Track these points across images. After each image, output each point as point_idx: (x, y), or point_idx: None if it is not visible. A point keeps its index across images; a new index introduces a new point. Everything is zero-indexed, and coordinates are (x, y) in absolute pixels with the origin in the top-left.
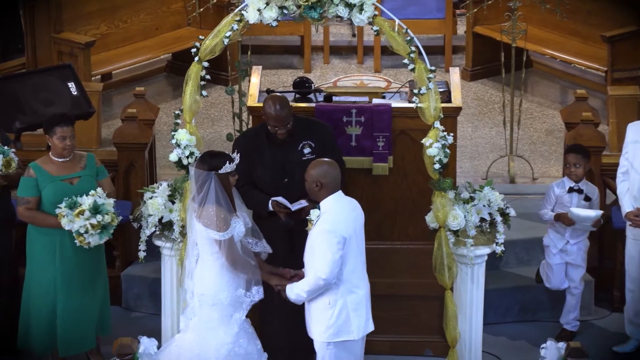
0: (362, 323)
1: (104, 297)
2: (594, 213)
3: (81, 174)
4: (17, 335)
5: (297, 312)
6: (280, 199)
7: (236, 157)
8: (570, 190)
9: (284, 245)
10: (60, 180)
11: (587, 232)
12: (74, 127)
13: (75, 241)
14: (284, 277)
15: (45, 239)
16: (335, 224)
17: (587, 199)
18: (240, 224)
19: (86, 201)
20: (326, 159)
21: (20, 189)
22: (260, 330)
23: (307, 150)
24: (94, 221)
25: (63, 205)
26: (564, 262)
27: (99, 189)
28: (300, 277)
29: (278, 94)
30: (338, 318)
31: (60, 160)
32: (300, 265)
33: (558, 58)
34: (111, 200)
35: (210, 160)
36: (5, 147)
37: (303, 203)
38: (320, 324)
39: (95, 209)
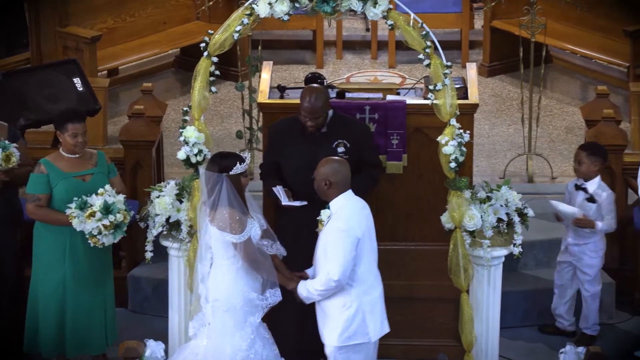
0: (377, 325)
1: (110, 300)
2: (570, 210)
3: (93, 171)
4: (22, 338)
5: (308, 313)
6: (278, 188)
7: (247, 157)
8: (577, 187)
9: (292, 243)
10: (73, 177)
11: (598, 235)
12: (86, 124)
13: (89, 242)
14: (303, 279)
15: (54, 238)
16: (349, 223)
17: (592, 200)
18: (256, 226)
19: (96, 202)
20: (334, 157)
21: (30, 185)
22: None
23: (341, 149)
24: (106, 222)
25: (73, 205)
26: (568, 262)
27: (108, 186)
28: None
29: (316, 85)
30: (354, 320)
31: (71, 156)
32: (305, 264)
33: (578, 53)
34: (121, 197)
35: (221, 161)
36: (6, 142)
37: (296, 203)
38: (335, 327)
39: (107, 209)
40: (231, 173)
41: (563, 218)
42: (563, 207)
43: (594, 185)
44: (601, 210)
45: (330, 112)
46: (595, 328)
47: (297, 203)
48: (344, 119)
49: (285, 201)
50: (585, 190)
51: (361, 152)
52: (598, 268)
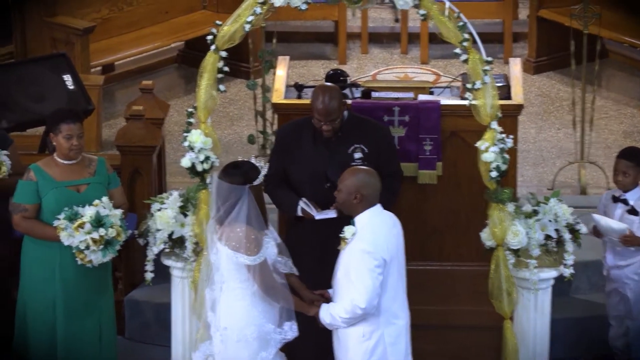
0: (400, 359)
1: (108, 325)
2: (618, 226)
3: (90, 180)
4: None
5: (328, 344)
6: (305, 200)
7: (262, 165)
8: (615, 199)
9: (313, 257)
10: (65, 187)
11: None
12: (83, 125)
13: (76, 258)
14: (325, 299)
15: (43, 253)
16: (375, 244)
17: (634, 212)
18: (272, 244)
19: (87, 212)
20: (363, 167)
21: (17, 194)
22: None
23: (358, 155)
24: (95, 235)
25: (62, 216)
26: (617, 291)
27: (105, 198)
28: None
29: (329, 83)
30: (373, 353)
31: (66, 162)
32: (328, 282)
33: (638, 47)
34: (118, 212)
35: (241, 171)
36: None
37: (330, 214)
38: (352, 358)
39: (98, 222)
40: (254, 184)
41: (605, 235)
42: (609, 223)
43: (635, 195)
44: None
45: (345, 112)
46: None
47: (331, 213)
48: (360, 121)
49: (318, 214)
50: (625, 202)
51: (381, 159)
52: None
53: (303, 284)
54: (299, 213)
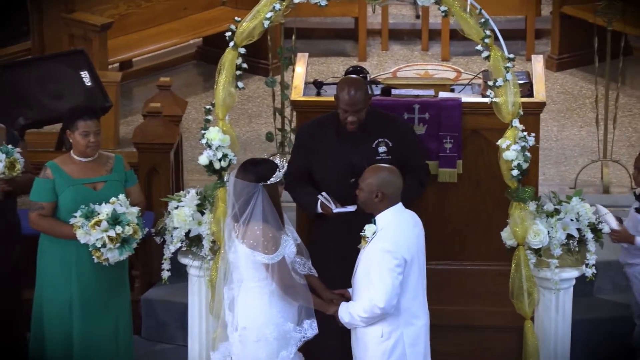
0: None
1: (125, 325)
2: (614, 222)
3: (107, 178)
4: None
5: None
6: (324, 194)
7: (283, 164)
8: (636, 197)
9: (337, 255)
10: (82, 185)
11: None
12: (100, 122)
13: (93, 257)
14: (345, 299)
15: (59, 251)
16: (396, 243)
17: None
18: (291, 243)
19: (104, 210)
20: (385, 165)
21: (33, 192)
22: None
23: (382, 148)
24: (112, 233)
25: (78, 214)
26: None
27: (121, 196)
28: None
29: (353, 76)
30: (392, 354)
31: (83, 160)
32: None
33: None
34: (134, 209)
35: (256, 169)
36: (10, 146)
37: (349, 208)
38: (370, 358)
39: (115, 219)
40: (269, 182)
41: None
42: (608, 219)
43: None
44: None
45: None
46: None
47: (349, 208)
48: (383, 116)
49: (336, 208)
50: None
51: (406, 153)
52: None
53: (323, 284)
54: (319, 210)
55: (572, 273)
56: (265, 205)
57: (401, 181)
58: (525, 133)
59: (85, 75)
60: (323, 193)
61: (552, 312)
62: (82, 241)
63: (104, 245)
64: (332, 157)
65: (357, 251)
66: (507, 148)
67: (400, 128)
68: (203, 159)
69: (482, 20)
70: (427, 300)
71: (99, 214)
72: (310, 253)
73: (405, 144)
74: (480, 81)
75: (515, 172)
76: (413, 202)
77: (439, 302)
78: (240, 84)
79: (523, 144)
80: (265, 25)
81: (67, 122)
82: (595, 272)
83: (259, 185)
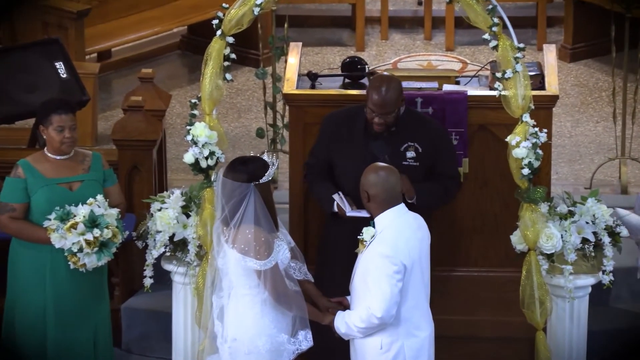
0: None
1: (103, 336)
2: (635, 220)
3: (84, 177)
4: None
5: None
6: (340, 195)
7: (273, 160)
8: None
9: (347, 259)
10: (57, 184)
11: None
12: (76, 117)
13: (69, 262)
14: (343, 307)
15: (32, 257)
16: (395, 247)
17: None
18: (285, 247)
19: (81, 211)
20: (381, 164)
21: (4, 192)
22: None
23: (410, 154)
24: (89, 237)
25: (53, 216)
26: None
27: (100, 197)
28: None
29: (387, 73)
30: None
31: (57, 158)
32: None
33: None
34: (114, 211)
35: (247, 167)
36: None
37: (364, 213)
38: None
39: (92, 222)
40: (261, 182)
41: (631, 234)
42: (631, 220)
43: None
44: None
45: (402, 107)
46: None
47: (364, 213)
48: (417, 117)
49: (350, 211)
50: None
51: (437, 160)
52: None
53: (319, 290)
54: (335, 209)
55: (588, 280)
56: (258, 206)
57: (392, 182)
58: (536, 129)
59: (60, 66)
60: (339, 192)
61: (566, 323)
62: (57, 245)
63: (80, 250)
64: (354, 155)
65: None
66: (517, 145)
67: (434, 132)
68: (188, 157)
69: (490, 6)
70: (430, 310)
71: (75, 216)
72: (321, 254)
73: (437, 151)
74: (487, 73)
75: (525, 171)
76: (431, 209)
77: (442, 311)
78: (228, 76)
79: (534, 140)
80: (256, 13)
81: (40, 117)
82: (612, 279)
83: (251, 185)
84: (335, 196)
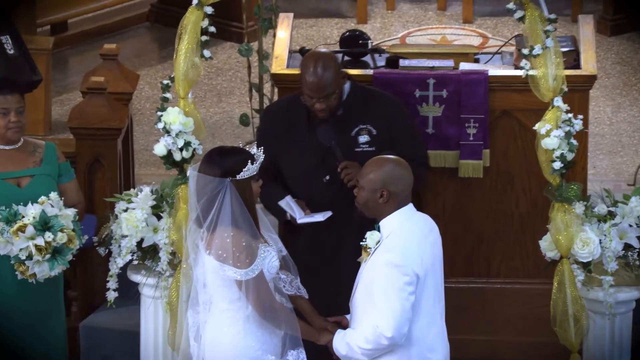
0: None
1: (57, 353)
2: None
3: (35, 171)
4: None
5: None
6: (288, 200)
7: (260, 153)
8: None
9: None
10: (2, 180)
11: None
12: (24, 99)
13: (16, 272)
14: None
15: None
16: (406, 255)
17: None
18: (272, 254)
19: (30, 212)
20: (390, 156)
21: None
22: None
23: (364, 138)
24: (40, 242)
25: None
26: None
27: (53, 194)
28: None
29: (322, 49)
30: None
31: (3, 147)
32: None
33: None
34: (70, 212)
35: (223, 160)
36: None
37: (317, 217)
38: None
39: (44, 224)
40: (238, 177)
41: None
42: None
43: None
44: None
45: (347, 85)
46: None
47: (318, 217)
48: (367, 92)
49: (301, 217)
50: None
51: (396, 141)
52: None
53: (314, 308)
54: (288, 217)
55: (632, 294)
56: (235, 206)
57: (411, 176)
58: (570, 115)
59: (6, 40)
60: (288, 197)
61: (606, 343)
62: (2, 252)
63: (29, 257)
64: (301, 150)
65: (343, 271)
66: (547, 134)
67: (389, 108)
68: (159, 148)
69: None
70: (446, 328)
71: (23, 217)
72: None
73: (394, 130)
74: (512, 49)
75: (557, 165)
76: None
77: (458, 330)
78: (206, 53)
79: (567, 128)
80: None
81: None
82: None
83: (226, 181)
84: (282, 203)
